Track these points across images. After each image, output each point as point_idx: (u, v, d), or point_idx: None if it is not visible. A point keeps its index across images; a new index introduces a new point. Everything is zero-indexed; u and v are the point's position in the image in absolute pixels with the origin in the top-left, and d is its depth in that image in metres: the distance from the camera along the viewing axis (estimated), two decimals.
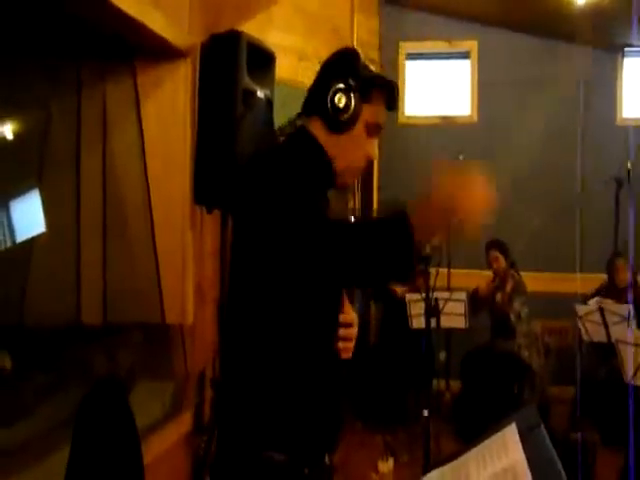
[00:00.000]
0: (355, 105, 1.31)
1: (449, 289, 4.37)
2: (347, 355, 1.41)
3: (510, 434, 1.23)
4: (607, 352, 3.73)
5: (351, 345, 1.42)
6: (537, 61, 5.52)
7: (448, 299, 3.84)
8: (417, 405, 3.92)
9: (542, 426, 1.22)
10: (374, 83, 1.35)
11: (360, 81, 1.33)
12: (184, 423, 2.98)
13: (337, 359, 1.37)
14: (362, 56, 1.41)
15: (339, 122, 1.32)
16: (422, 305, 3.78)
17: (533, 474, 1.11)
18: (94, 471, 1.75)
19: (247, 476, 1.27)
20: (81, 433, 1.77)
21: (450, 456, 1.34)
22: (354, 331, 1.44)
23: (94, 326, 3.00)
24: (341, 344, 1.39)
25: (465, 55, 5.70)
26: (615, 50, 5.48)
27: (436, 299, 3.68)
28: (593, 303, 3.95)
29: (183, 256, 3.04)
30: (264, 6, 4.29)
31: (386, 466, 3.50)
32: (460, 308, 3.87)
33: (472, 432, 3.90)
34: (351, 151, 1.35)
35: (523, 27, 5.46)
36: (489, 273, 4.55)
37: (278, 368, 1.27)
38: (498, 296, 4.26)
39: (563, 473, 1.08)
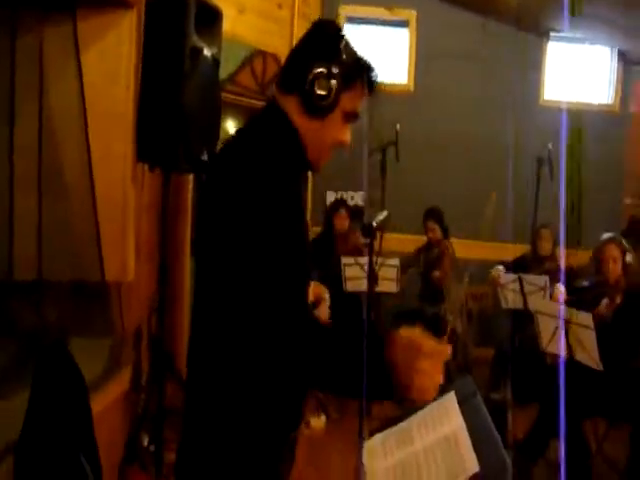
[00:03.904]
0: (335, 93, 1.26)
1: (381, 254, 4.51)
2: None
3: (450, 402, 1.33)
4: (523, 319, 4.03)
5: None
6: (471, 37, 5.68)
7: (382, 264, 3.98)
8: None
9: (478, 394, 1.32)
10: (357, 72, 1.29)
11: (343, 69, 1.26)
12: (123, 381, 2.99)
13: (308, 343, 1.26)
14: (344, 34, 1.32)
15: (317, 107, 1.28)
16: (357, 269, 3.91)
17: (472, 438, 1.22)
18: (50, 429, 1.77)
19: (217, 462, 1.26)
20: (36, 398, 1.78)
21: (389, 421, 1.43)
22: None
23: (27, 282, 2.92)
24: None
25: (404, 24, 5.77)
26: (541, 34, 5.72)
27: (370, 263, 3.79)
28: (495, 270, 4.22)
29: (124, 213, 2.99)
30: None
31: (318, 422, 3.66)
32: (393, 273, 4.03)
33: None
34: (325, 138, 1.32)
35: (459, 2, 5.59)
36: (420, 237, 4.75)
37: (250, 360, 1.20)
38: (436, 274, 4.42)
39: (498, 436, 1.19)
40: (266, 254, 1.13)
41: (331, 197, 5.57)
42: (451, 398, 1.34)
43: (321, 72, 1.26)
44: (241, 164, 1.21)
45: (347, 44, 1.31)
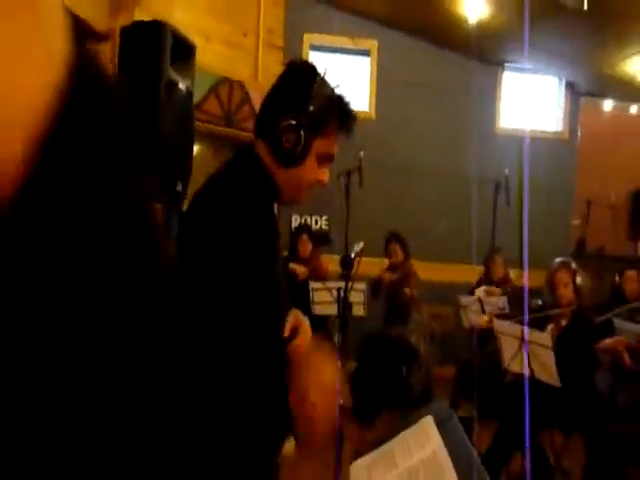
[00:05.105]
0: (304, 143, 1.25)
1: (353, 280, 4.61)
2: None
3: (428, 426, 1.44)
4: (484, 338, 4.21)
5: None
6: (430, 66, 5.94)
7: (350, 289, 4.08)
8: None
9: (455, 418, 1.43)
10: (328, 119, 1.27)
11: (311, 119, 1.24)
12: None
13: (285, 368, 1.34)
14: (319, 74, 1.29)
15: (286, 158, 1.27)
16: (326, 294, 4.02)
17: (452, 459, 1.32)
18: None
19: None
20: None
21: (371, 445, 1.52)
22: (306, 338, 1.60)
23: None
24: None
25: (366, 53, 5.98)
26: (496, 64, 6.03)
27: (338, 288, 3.91)
28: (480, 292, 4.43)
29: None
30: None
31: (288, 446, 3.71)
32: (360, 297, 4.15)
33: (363, 408, 4.23)
34: (299, 182, 1.31)
35: (419, 33, 5.84)
36: (383, 260, 4.90)
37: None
38: (407, 292, 4.55)
39: (476, 456, 1.30)
40: (239, 290, 1.17)
41: (296, 221, 5.68)
42: (429, 422, 1.45)
43: (289, 124, 1.24)
44: (216, 206, 1.22)
45: (318, 89, 1.27)
